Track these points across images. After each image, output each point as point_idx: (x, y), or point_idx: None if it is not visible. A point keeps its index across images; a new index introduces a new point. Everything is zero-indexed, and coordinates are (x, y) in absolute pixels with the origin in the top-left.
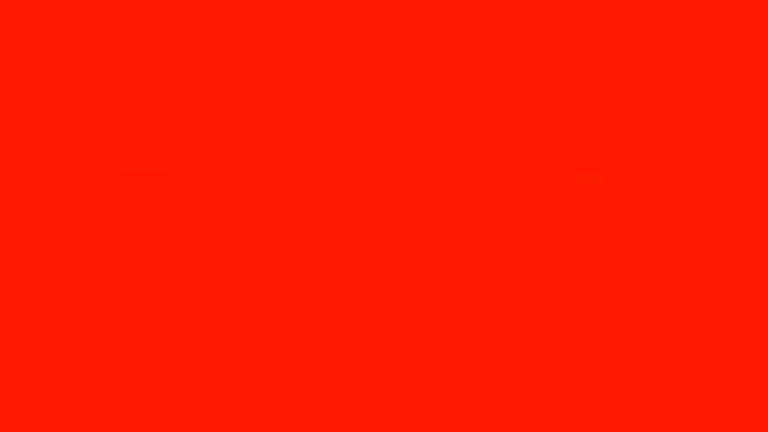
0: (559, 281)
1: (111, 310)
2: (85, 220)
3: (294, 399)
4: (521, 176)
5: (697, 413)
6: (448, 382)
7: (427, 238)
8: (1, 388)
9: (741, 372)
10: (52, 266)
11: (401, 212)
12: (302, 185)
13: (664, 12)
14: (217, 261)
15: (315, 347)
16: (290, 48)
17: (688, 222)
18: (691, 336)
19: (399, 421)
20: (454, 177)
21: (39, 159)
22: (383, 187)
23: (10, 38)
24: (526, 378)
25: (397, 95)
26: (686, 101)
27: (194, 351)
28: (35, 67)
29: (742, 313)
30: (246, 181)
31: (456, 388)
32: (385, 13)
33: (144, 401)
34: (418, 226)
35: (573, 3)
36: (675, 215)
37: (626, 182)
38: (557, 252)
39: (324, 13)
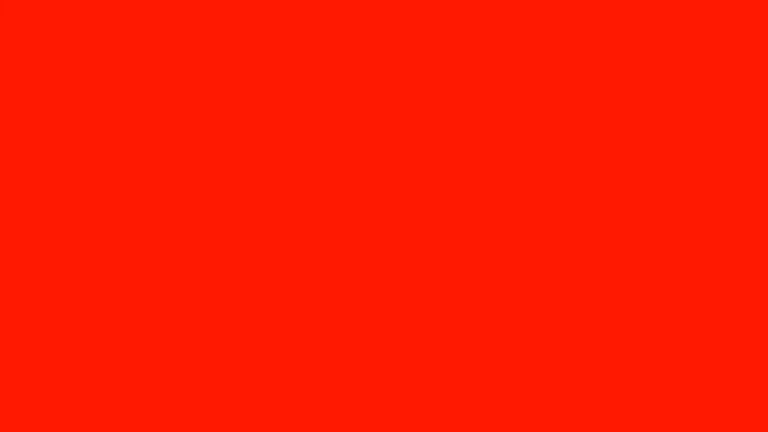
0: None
1: (111, 311)
2: (85, 220)
3: (293, 399)
4: (521, 176)
5: (697, 413)
6: (446, 383)
7: (426, 237)
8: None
9: (741, 372)
10: (52, 266)
11: (400, 211)
12: (301, 184)
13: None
14: (216, 262)
15: (313, 348)
16: (290, 47)
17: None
18: (690, 336)
19: (398, 421)
20: (453, 177)
21: (38, 159)
22: (382, 185)
23: (10, 38)
24: (525, 377)
25: (397, 95)
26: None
27: (193, 352)
28: (35, 67)
29: (742, 312)
30: (246, 180)
31: (455, 388)
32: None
33: (142, 402)
34: (417, 225)
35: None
36: (675, 215)
37: (625, 182)
38: (556, 251)
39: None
